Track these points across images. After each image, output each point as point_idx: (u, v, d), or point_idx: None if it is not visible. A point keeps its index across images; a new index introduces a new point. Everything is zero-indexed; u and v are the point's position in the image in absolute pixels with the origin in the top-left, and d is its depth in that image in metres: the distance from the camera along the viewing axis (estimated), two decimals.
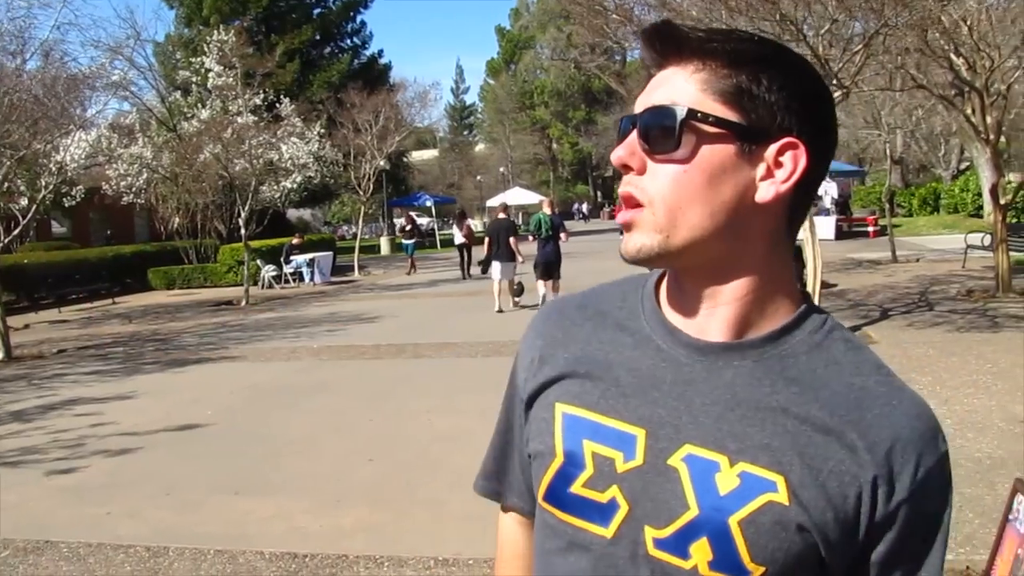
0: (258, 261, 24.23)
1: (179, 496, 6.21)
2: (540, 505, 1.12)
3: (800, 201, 1.04)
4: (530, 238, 15.80)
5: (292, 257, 25.15)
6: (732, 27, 10.06)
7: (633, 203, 1.02)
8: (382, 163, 29.19)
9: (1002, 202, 13.53)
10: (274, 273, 24.79)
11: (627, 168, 1.03)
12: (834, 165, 32.22)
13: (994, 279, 13.71)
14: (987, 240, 16.29)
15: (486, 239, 16.31)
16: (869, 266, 19.41)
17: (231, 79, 24.49)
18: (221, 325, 16.52)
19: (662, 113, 1.00)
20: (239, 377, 10.82)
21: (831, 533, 0.98)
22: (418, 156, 55.66)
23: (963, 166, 36.09)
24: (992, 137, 13.34)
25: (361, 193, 29.15)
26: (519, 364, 1.22)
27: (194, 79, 26.80)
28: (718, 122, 0.99)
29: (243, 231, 21.19)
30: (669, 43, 1.02)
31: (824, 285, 12.94)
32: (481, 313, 15.25)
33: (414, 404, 8.63)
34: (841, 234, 28.05)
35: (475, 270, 22.11)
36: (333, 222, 62.49)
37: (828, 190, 29.94)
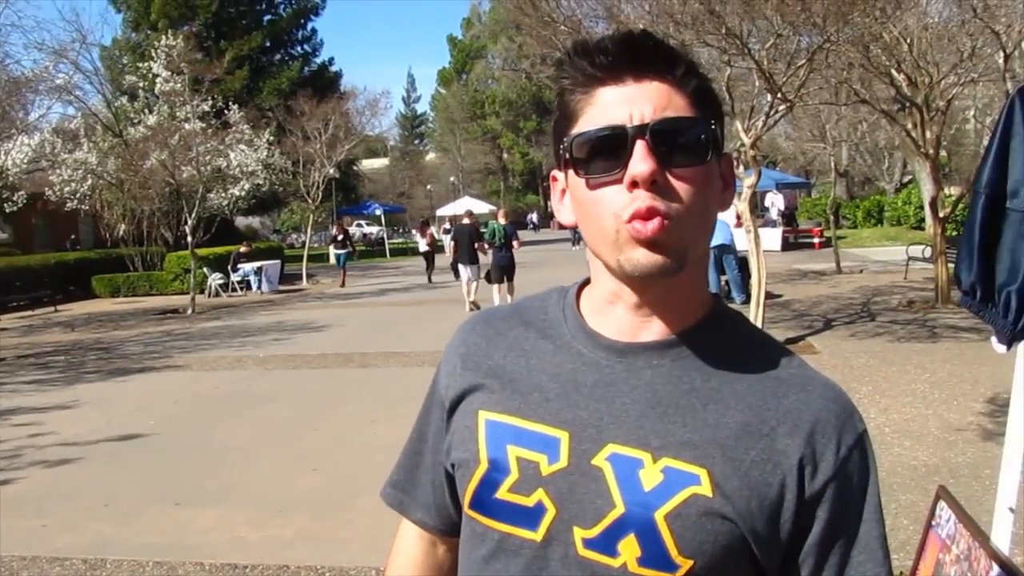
0: (205, 269, 23.93)
1: (118, 507, 6.12)
2: (466, 513, 1.13)
3: None
4: (485, 246, 16.45)
5: (239, 265, 24.91)
6: (679, 40, 10.19)
7: (658, 218, 0.98)
8: (331, 171, 28.99)
9: (941, 215, 13.83)
10: (221, 281, 24.50)
11: (650, 183, 0.98)
12: (781, 177, 32.74)
13: (934, 290, 14.00)
14: (927, 252, 16.61)
15: (452, 243, 17.29)
16: (814, 277, 19.67)
17: (179, 85, 24.12)
18: (166, 333, 16.30)
19: (688, 125, 1.00)
20: (183, 386, 10.69)
21: (757, 522, 1.00)
22: (368, 165, 55.49)
23: (906, 179, 36.78)
24: (932, 152, 13.62)
25: (310, 201, 28.94)
26: (442, 370, 1.23)
27: (141, 84, 26.28)
28: (718, 133, 1.03)
29: (190, 238, 20.97)
30: (650, 54, 1.01)
31: (769, 296, 13.10)
32: (429, 322, 15.23)
33: (359, 413, 8.60)
34: (787, 245, 28.41)
35: (438, 278, 23.63)
36: (282, 230, 61.88)
37: (775, 202, 30.33)
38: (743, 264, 14.20)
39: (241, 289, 24.82)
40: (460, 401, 1.16)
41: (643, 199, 0.97)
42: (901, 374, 9.06)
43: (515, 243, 16.20)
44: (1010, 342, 2.34)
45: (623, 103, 1.00)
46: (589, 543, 1.01)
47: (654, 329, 1.08)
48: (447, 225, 23.02)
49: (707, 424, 1.03)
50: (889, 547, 1.05)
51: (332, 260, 37.61)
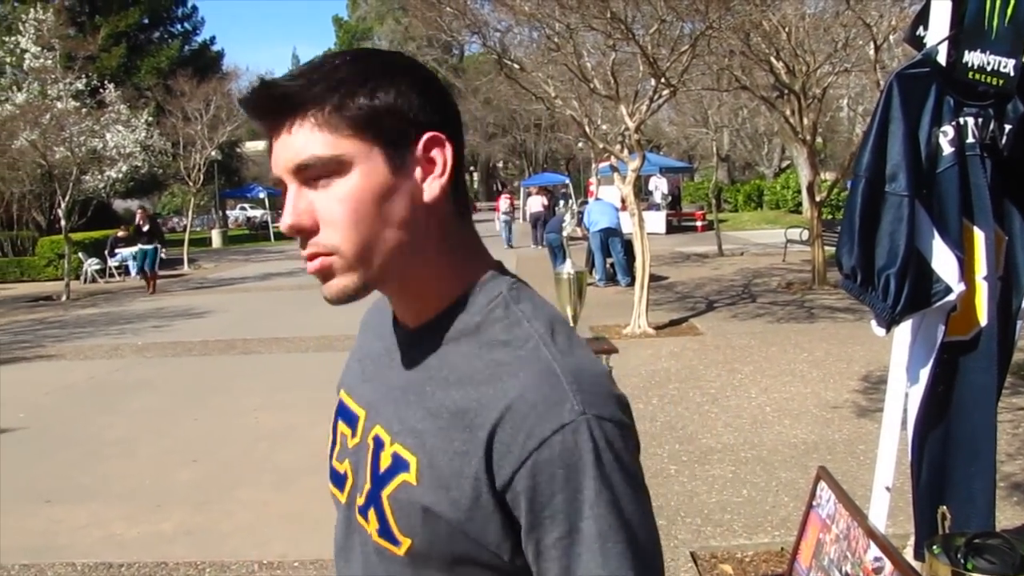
0: (80, 254, 23.03)
1: None
2: None
3: (458, 184, 1.08)
4: None
5: (117, 250, 24.03)
6: (566, 24, 10.21)
7: (320, 255, 1.03)
8: (213, 153, 28.24)
9: (818, 199, 14.26)
10: (98, 267, 23.60)
11: (302, 231, 1.03)
12: (664, 161, 33.29)
13: (811, 272, 14.44)
14: (805, 235, 17.14)
15: None
16: (697, 259, 20.09)
17: (50, 61, 23.16)
18: (38, 322, 15.63)
19: (321, 163, 1.01)
20: (56, 377, 10.25)
21: (457, 513, 1.00)
22: (252, 147, 54.00)
23: (784, 164, 37.87)
24: (809, 138, 14.02)
25: (191, 184, 28.13)
26: None
27: (8, 60, 25.13)
28: (360, 150, 1.02)
29: (64, 222, 20.12)
30: (272, 105, 1.03)
31: (654, 278, 13.30)
32: (313, 307, 14.94)
33: (241, 401, 8.38)
34: (671, 228, 28.97)
35: None
36: (163, 214, 60.11)
37: (659, 186, 30.83)
38: (628, 247, 14.39)
39: (119, 275, 23.97)
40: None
41: (302, 244, 1.05)
42: (781, 354, 9.31)
43: None
44: (889, 325, 2.38)
45: (274, 155, 1.06)
46: (360, 509, 1.12)
47: (415, 316, 1.12)
48: None
49: (430, 412, 1.04)
50: (633, 546, 0.96)
51: (215, 243, 36.72)
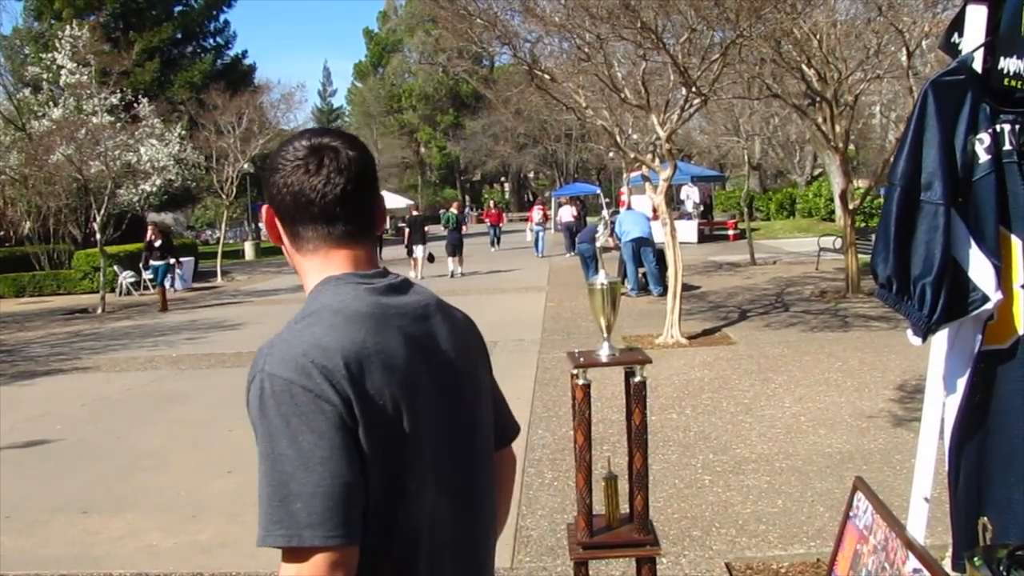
0: (115, 267, 23.28)
1: (21, 518, 5.87)
2: None
3: (297, 233, 1.64)
4: (442, 228, 23.94)
5: (152, 262, 24.26)
6: (597, 34, 10.21)
7: None
8: (246, 166, 28.47)
9: (851, 207, 14.16)
10: (132, 279, 23.84)
11: None
12: (695, 170, 33.17)
13: (844, 280, 14.33)
14: (838, 243, 17.02)
15: (406, 230, 23.47)
16: (729, 268, 19.99)
17: (85, 77, 23.48)
18: (74, 334, 15.81)
19: None
20: (92, 388, 10.36)
21: None
22: None
23: (816, 172, 37.62)
24: (841, 145, 13.93)
25: (224, 197, 28.35)
26: None
27: (45, 76, 25.47)
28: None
29: (99, 236, 20.36)
30: None
31: (686, 287, 13.25)
32: None
33: None
34: (703, 237, 28.86)
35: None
36: (196, 226, 60.75)
37: (690, 195, 30.74)
38: (660, 257, 14.35)
39: (153, 287, 24.20)
40: None
41: None
42: (815, 363, 9.23)
43: (464, 227, 23.64)
44: (925, 335, 2.36)
45: None
46: None
47: None
48: None
49: None
50: (276, 467, 1.30)
51: (248, 255, 37.01)
